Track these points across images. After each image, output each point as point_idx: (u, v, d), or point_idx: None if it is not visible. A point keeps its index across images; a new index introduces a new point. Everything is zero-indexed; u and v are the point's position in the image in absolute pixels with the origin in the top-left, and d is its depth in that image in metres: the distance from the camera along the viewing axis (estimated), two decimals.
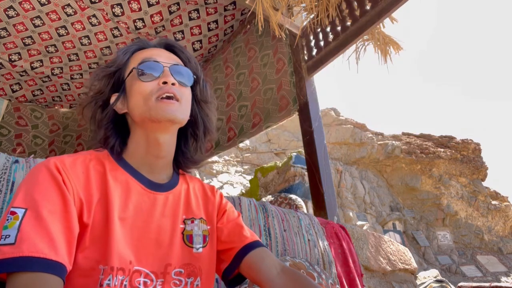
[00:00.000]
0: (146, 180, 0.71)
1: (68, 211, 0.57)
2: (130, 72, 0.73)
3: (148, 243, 0.65)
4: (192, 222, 0.74)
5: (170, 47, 0.79)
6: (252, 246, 0.76)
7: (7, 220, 0.52)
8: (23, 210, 0.53)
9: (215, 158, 10.21)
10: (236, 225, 0.80)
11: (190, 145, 0.80)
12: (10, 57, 2.62)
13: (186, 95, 0.73)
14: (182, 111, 0.70)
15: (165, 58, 0.74)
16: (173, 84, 0.70)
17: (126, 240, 0.63)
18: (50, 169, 0.59)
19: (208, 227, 0.76)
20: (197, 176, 9.41)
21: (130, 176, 0.69)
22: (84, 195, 0.61)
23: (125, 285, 0.59)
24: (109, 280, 0.57)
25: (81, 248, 0.59)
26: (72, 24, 2.42)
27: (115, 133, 0.73)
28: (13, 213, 0.53)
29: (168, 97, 0.68)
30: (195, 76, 0.77)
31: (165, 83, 0.69)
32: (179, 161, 0.80)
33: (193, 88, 0.78)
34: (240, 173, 10.41)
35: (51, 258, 0.50)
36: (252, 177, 5.06)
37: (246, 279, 0.77)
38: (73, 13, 2.33)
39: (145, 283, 0.62)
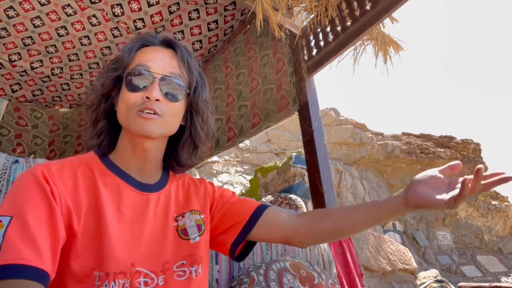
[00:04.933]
0: (136, 182, 0.71)
1: (54, 218, 0.56)
2: (123, 75, 0.71)
3: (145, 243, 0.66)
4: (183, 217, 0.74)
5: (174, 49, 0.76)
6: (261, 209, 0.78)
7: None
8: (9, 218, 0.53)
9: (215, 158, 10.20)
10: (235, 202, 0.81)
11: (179, 151, 0.79)
12: (10, 57, 2.62)
13: (171, 109, 0.70)
14: (162, 126, 0.68)
15: (161, 65, 0.71)
16: (157, 99, 0.67)
17: (127, 243, 0.63)
18: (37, 177, 0.59)
19: (202, 216, 0.77)
20: (197, 176, 9.40)
21: (120, 179, 0.69)
22: (72, 203, 0.61)
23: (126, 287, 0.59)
24: (105, 286, 0.57)
25: (74, 256, 0.58)
26: (72, 24, 2.41)
27: (107, 129, 0.73)
28: None
29: (149, 112, 0.67)
30: (187, 90, 0.74)
31: (148, 98, 0.67)
32: (168, 162, 0.80)
33: (188, 95, 0.76)
34: (240, 173, 10.40)
35: (36, 265, 0.50)
36: (252, 177, 5.06)
37: (252, 249, 0.80)
38: (73, 13, 2.33)
39: (145, 282, 0.62)
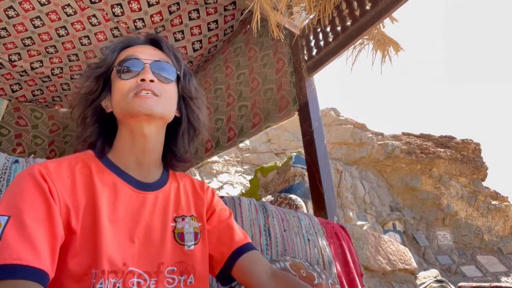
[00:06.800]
0: (134, 180, 0.70)
1: (52, 217, 0.56)
2: (112, 71, 0.73)
3: (140, 243, 0.65)
4: (183, 220, 0.73)
5: (155, 43, 0.78)
6: (242, 250, 0.76)
7: None
8: (6, 217, 0.52)
9: (215, 158, 10.20)
10: (227, 227, 0.79)
11: (178, 143, 0.79)
12: (10, 57, 2.62)
13: (167, 91, 0.72)
14: (161, 105, 0.69)
15: (148, 54, 0.73)
16: (151, 80, 0.69)
17: (119, 242, 0.62)
18: (34, 176, 0.58)
19: (199, 224, 0.76)
20: (197, 176, 9.40)
21: (117, 177, 0.68)
22: (71, 201, 0.61)
23: (118, 287, 0.59)
24: (101, 284, 0.57)
25: (72, 254, 0.58)
26: (72, 24, 2.41)
27: (98, 131, 0.73)
28: None
29: (146, 92, 0.68)
30: (178, 72, 0.76)
31: (143, 80, 0.68)
32: (167, 160, 0.79)
33: (178, 84, 0.77)
34: (240, 173, 10.40)
35: (34, 265, 0.50)
36: (252, 177, 5.06)
37: (235, 280, 0.77)
38: (73, 13, 2.33)
39: (138, 283, 0.62)
